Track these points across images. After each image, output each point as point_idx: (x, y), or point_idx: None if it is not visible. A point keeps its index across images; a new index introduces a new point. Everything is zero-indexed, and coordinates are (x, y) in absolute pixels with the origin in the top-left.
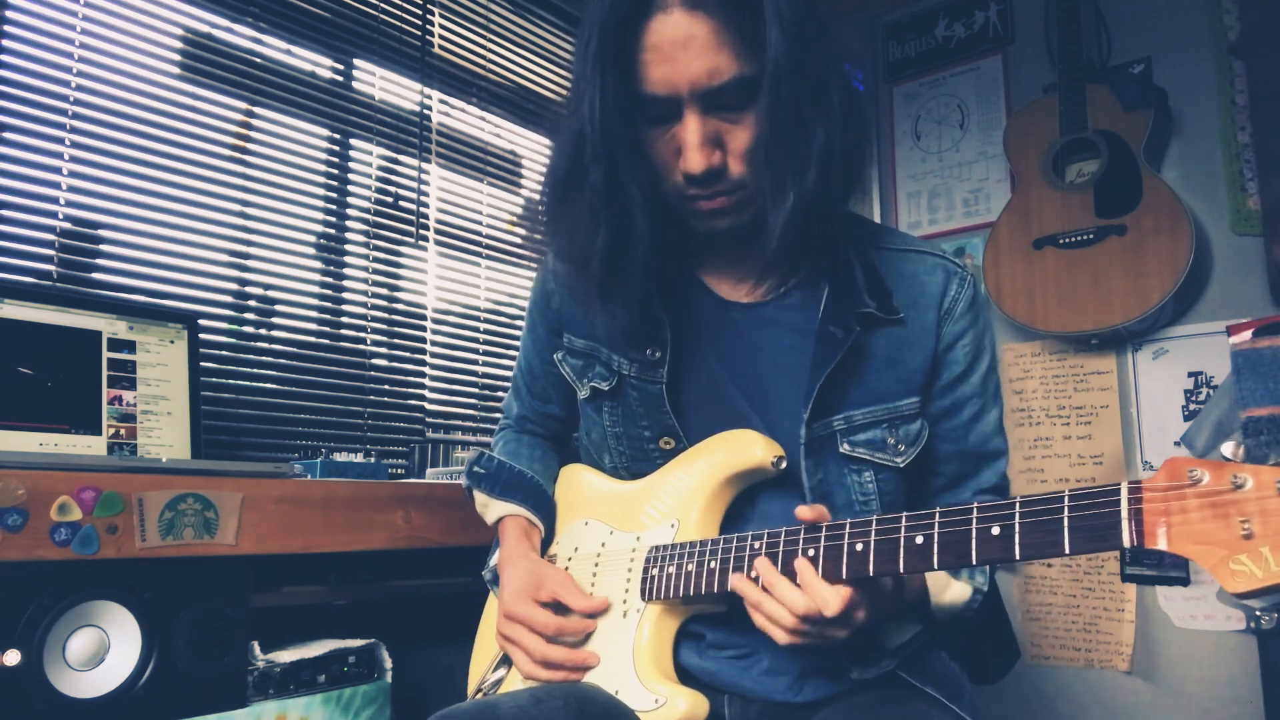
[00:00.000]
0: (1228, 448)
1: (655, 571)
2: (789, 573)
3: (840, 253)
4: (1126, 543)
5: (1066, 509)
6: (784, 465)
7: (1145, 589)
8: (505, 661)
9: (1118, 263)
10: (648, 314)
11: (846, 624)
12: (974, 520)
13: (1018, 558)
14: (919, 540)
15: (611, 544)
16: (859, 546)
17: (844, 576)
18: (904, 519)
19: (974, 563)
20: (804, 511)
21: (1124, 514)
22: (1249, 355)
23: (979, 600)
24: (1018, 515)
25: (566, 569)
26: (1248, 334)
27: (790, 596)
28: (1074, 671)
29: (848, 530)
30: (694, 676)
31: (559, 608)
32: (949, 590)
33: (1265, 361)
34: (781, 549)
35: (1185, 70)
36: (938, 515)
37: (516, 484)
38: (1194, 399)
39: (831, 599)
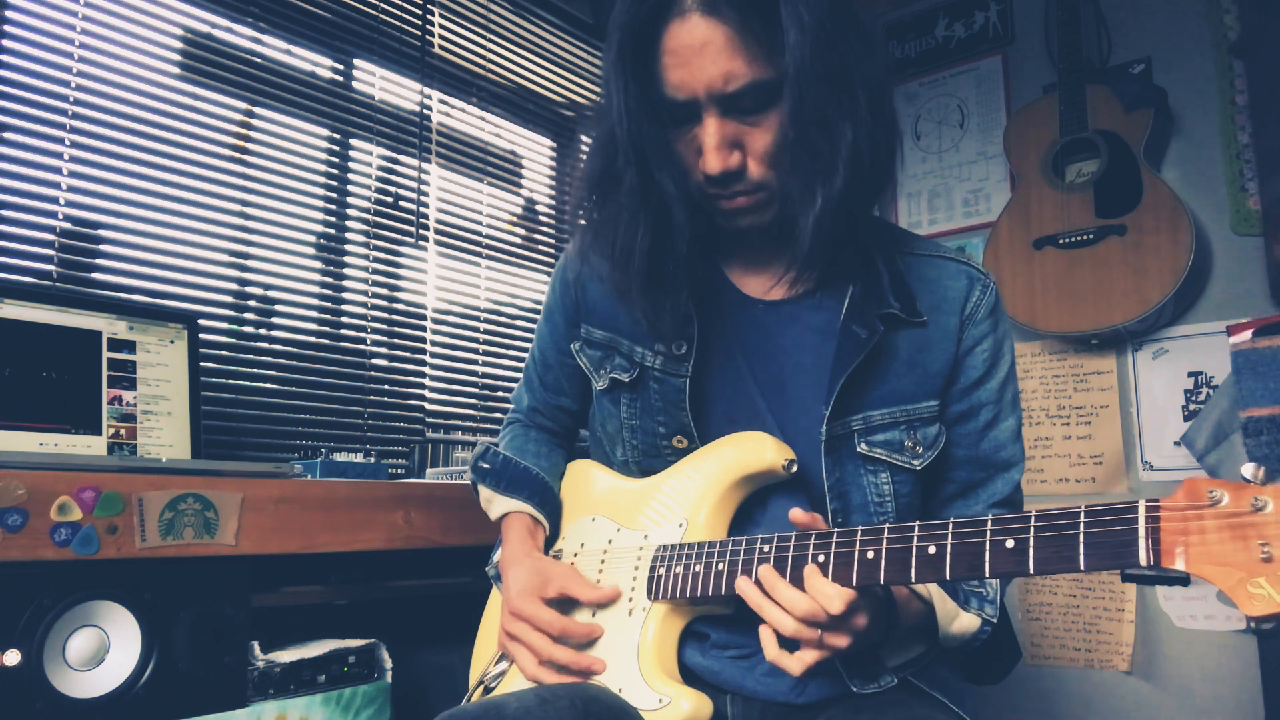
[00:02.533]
0: (1248, 469)
1: (662, 571)
2: (797, 578)
3: (866, 255)
4: (1143, 561)
5: (1083, 525)
6: (795, 469)
7: (1145, 589)
8: (508, 655)
9: (1118, 263)
10: (675, 310)
11: (847, 629)
12: (988, 533)
13: (1031, 572)
14: (931, 550)
15: (618, 541)
16: (870, 554)
17: (854, 583)
18: (916, 528)
19: (986, 575)
20: (798, 515)
21: (1141, 532)
22: (1249, 355)
23: (987, 632)
24: (1033, 529)
25: (572, 565)
26: (1248, 334)
27: (791, 598)
28: (1074, 671)
29: (859, 537)
30: (697, 676)
31: (565, 606)
32: (958, 621)
33: (1265, 361)
34: (791, 554)
35: (1185, 70)
36: (951, 525)
37: (522, 480)
38: (1194, 399)
39: (834, 596)
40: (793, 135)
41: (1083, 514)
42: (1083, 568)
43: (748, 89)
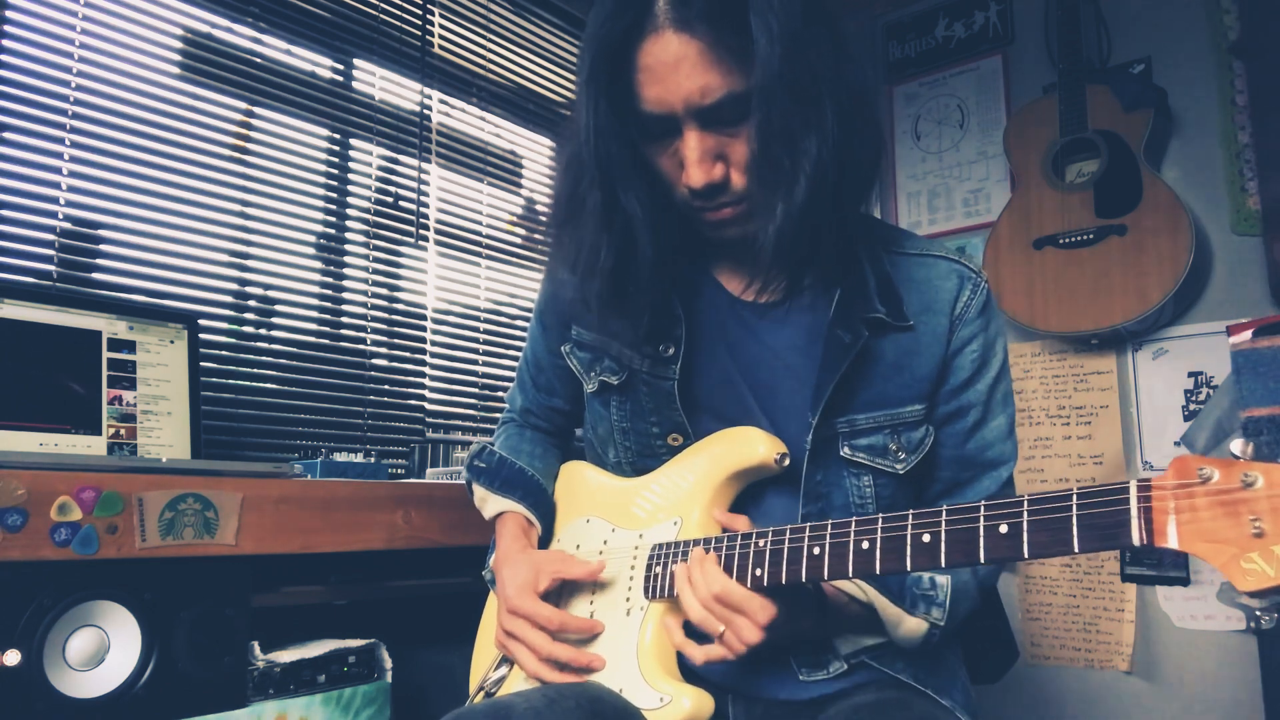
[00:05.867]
0: (1236, 445)
1: (659, 570)
2: (793, 572)
3: (852, 256)
4: (1136, 541)
5: (1075, 507)
6: (787, 463)
7: (1145, 589)
8: (507, 660)
9: (1118, 263)
10: (662, 312)
11: (754, 625)
12: (981, 518)
13: (1026, 556)
14: (926, 538)
15: (614, 541)
16: (865, 544)
17: (850, 574)
18: (910, 516)
19: (981, 560)
20: (720, 518)
21: (1133, 512)
22: (1249, 355)
23: (936, 635)
24: (1026, 513)
25: None
26: (1248, 334)
27: (699, 582)
28: (1074, 671)
29: (854, 528)
30: (698, 676)
31: (562, 602)
32: (903, 625)
33: (1265, 361)
34: (786, 546)
35: (1185, 70)
36: (945, 513)
37: (516, 480)
38: (1194, 399)
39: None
40: (758, 147)
41: (1075, 496)
42: (1077, 550)
43: (725, 101)
